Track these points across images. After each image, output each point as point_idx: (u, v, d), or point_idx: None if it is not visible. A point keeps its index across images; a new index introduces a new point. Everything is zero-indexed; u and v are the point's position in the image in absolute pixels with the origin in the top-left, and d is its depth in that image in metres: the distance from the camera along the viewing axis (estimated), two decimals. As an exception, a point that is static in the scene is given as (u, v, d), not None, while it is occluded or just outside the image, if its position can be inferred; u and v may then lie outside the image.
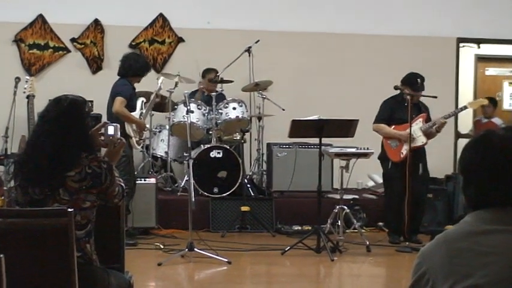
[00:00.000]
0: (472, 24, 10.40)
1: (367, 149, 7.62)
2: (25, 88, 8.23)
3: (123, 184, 3.75)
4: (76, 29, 9.76)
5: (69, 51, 9.80)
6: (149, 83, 8.12)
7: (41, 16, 9.68)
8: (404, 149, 7.65)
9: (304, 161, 8.68)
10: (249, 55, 9.18)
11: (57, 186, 3.50)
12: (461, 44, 10.62)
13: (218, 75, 9.12)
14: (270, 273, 6.97)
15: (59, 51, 9.77)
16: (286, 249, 7.18)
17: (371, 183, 9.70)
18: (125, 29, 9.80)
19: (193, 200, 6.70)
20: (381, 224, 8.51)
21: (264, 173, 9.16)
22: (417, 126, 7.69)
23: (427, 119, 7.80)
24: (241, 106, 8.86)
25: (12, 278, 2.88)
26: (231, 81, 9.05)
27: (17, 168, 3.64)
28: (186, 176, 8.44)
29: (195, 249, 6.74)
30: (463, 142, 9.50)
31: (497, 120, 10.13)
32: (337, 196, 7.74)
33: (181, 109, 8.54)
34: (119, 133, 3.80)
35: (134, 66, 7.62)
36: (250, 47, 9.19)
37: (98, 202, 3.61)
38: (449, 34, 10.36)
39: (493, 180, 2.03)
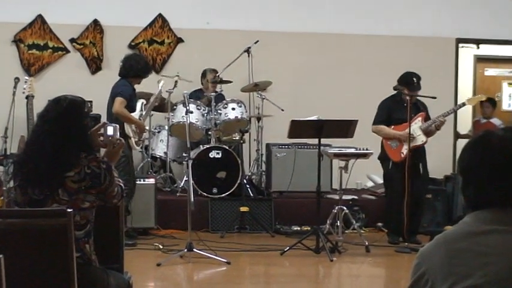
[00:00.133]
0: (471, 24, 10.40)
1: (367, 149, 7.62)
2: (24, 88, 8.23)
3: (122, 184, 3.75)
4: (75, 29, 9.76)
5: (68, 51, 9.79)
6: (149, 84, 8.12)
7: (40, 16, 9.68)
8: (405, 149, 7.66)
9: (303, 161, 8.68)
10: (248, 55, 9.19)
11: (57, 187, 3.50)
12: (460, 45, 10.63)
13: (218, 76, 9.12)
14: (269, 274, 6.97)
15: (58, 51, 9.77)
16: (286, 249, 7.18)
17: (370, 184, 9.70)
18: (124, 30, 9.80)
19: (192, 200, 6.70)
20: (380, 224, 8.51)
21: (263, 173, 9.16)
22: (416, 125, 7.70)
23: (426, 118, 7.81)
24: (240, 106, 8.86)
25: (11, 279, 2.88)
26: (230, 82, 9.05)
27: (16, 169, 3.64)
28: (185, 177, 8.44)
29: (194, 250, 6.74)
30: (462, 142, 9.50)
31: (496, 121, 10.14)
32: (336, 196, 7.75)
33: (181, 109, 8.54)
34: (118, 133, 3.80)
35: (135, 67, 7.61)
36: (249, 48, 9.19)
37: (97, 202, 3.61)
38: (449, 34, 10.36)
39: (492, 180, 2.04)
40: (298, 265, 6.98)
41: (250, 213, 8.28)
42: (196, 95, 9.14)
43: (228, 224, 8.29)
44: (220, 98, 9.02)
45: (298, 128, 7.50)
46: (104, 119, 7.49)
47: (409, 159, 7.52)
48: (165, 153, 9.04)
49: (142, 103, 7.78)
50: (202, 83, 9.45)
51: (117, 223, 3.90)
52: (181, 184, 8.68)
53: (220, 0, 9.99)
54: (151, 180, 8.19)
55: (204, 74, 9.43)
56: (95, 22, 9.78)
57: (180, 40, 9.99)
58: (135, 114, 7.58)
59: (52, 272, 3.27)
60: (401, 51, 10.06)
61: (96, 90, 8.63)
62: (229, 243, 7.59)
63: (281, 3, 10.09)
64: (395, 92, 7.83)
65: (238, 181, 8.54)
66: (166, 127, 8.93)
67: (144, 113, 7.75)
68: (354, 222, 7.90)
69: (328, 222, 7.53)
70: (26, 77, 8.62)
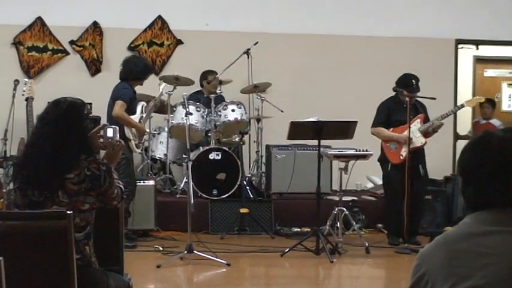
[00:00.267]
0: (471, 25, 10.40)
1: (366, 150, 7.63)
2: (24, 90, 8.23)
3: (122, 186, 3.75)
4: (75, 31, 9.76)
5: (68, 53, 9.79)
6: (150, 86, 8.12)
7: (39, 18, 9.68)
8: (404, 151, 7.66)
9: (303, 162, 8.68)
10: (248, 57, 9.18)
11: (56, 189, 3.50)
12: (459, 46, 10.63)
13: (217, 77, 9.13)
14: (269, 275, 6.97)
15: (58, 53, 9.77)
16: (286, 251, 7.18)
17: (370, 185, 9.70)
18: (124, 31, 9.80)
19: (192, 202, 6.70)
20: (380, 225, 8.52)
21: (263, 174, 9.16)
22: (415, 127, 7.70)
23: (425, 119, 7.81)
24: (240, 108, 8.86)
25: (11, 281, 2.88)
26: (230, 81, 9.05)
27: (16, 171, 3.64)
28: (185, 178, 8.44)
29: (194, 251, 6.74)
30: (462, 143, 9.51)
31: (495, 122, 10.14)
32: (336, 198, 7.75)
33: (180, 111, 8.54)
34: (118, 135, 3.80)
35: (134, 70, 7.59)
36: (249, 49, 9.19)
37: (97, 204, 3.61)
38: (448, 35, 10.37)
39: (492, 181, 2.04)
40: (298, 266, 6.98)
41: (250, 215, 8.28)
42: (195, 97, 9.14)
43: (228, 226, 8.29)
44: (220, 99, 9.02)
45: (297, 130, 7.50)
46: (103, 121, 7.49)
47: (409, 161, 7.52)
48: (165, 154, 9.04)
49: (143, 105, 7.78)
50: (202, 85, 9.44)
51: (117, 225, 3.90)
52: (181, 186, 8.68)
53: (219, 1, 10.00)
54: (151, 182, 8.19)
55: (203, 76, 9.43)
56: (95, 24, 9.78)
57: (179, 42, 9.99)
58: (136, 117, 7.57)
59: (52, 274, 3.27)
60: (401, 52, 10.07)
61: (95, 92, 8.64)
62: (229, 245, 7.59)
63: (281, 5, 10.09)
64: (394, 93, 7.84)
65: (238, 182, 8.54)
66: (166, 129, 8.93)
67: (144, 115, 7.74)
68: (354, 223, 7.90)
69: (328, 223, 7.54)
70: (26, 79, 8.62)
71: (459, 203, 8.61)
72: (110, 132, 3.76)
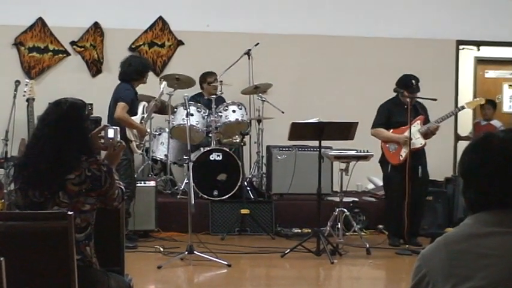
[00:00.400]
0: (472, 26, 10.40)
1: (367, 151, 7.63)
2: (25, 91, 8.25)
3: (122, 187, 3.75)
4: (76, 32, 9.76)
5: (68, 54, 9.80)
6: (151, 86, 8.11)
7: (40, 19, 9.68)
8: (403, 152, 7.67)
9: (303, 163, 8.68)
10: (249, 58, 9.18)
11: (57, 189, 3.50)
12: (461, 47, 10.63)
13: (217, 79, 9.13)
14: (270, 276, 6.97)
15: (59, 54, 9.77)
16: (286, 251, 7.18)
17: (371, 186, 9.70)
18: (125, 32, 9.80)
19: (193, 202, 6.70)
20: (380, 226, 8.51)
21: (264, 175, 9.15)
22: (415, 128, 7.70)
23: (425, 121, 7.82)
24: (240, 109, 8.86)
25: (12, 281, 2.88)
26: (230, 85, 9.06)
27: (17, 172, 3.64)
28: (185, 179, 8.44)
29: (195, 252, 6.74)
30: (462, 144, 9.50)
31: (496, 123, 10.14)
32: (337, 199, 7.75)
33: (181, 112, 8.54)
34: (119, 136, 3.80)
35: (130, 70, 7.52)
36: (249, 50, 9.19)
37: (97, 205, 3.61)
38: (449, 36, 10.37)
39: (493, 182, 2.04)
40: (299, 267, 6.98)
41: (251, 216, 8.28)
42: (196, 99, 9.14)
43: (229, 227, 8.29)
44: (220, 100, 9.02)
45: (298, 130, 7.50)
46: (104, 121, 7.49)
47: (410, 162, 7.52)
48: (166, 155, 9.04)
49: (144, 105, 7.76)
50: (202, 87, 9.44)
51: (117, 226, 3.90)
52: (182, 186, 8.68)
53: (220, 2, 10.00)
54: (152, 183, 8.19)
55: (203, 78, 9.43)
56: (96, 25, 9.79)
57: (180, 42, 10.00)
58: (137, 117, 7.56)
59: (53, 275, 3.27)
60: (401, 53, 10.07)
61: (96, 93, 8.64)
62: (230, 246, 7.59)
63: (281, 6, 10.09)
64: (395, 95, 7.85)
65: (239, 183, 8.54)
66: (167, 130, 8.93)
67: (145, 115, 7.73)
68: (355, 224, 7.90)
69: (328, 224, 7.53)
70: (27, 80, 8.64)
71: (460, 204, 8.60)
72: (110, 133, 3.75)
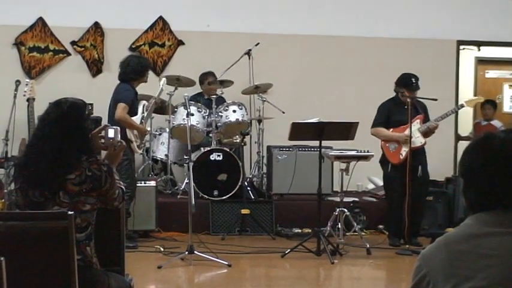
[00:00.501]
0: (472, 26, 10.40)
1: (367, 151, 7.63)
2: (25, 91, 8.25)
3: (123, 187, 3.75)
4: (76, 32, 9.76)
5: (69, 54, 9.80)
6: (151, 86, 8.11)
7: (41, 19, 9.68)
8: (404, 151, 7.67)
9: (304, 163, 8.68)
10: (249, 58, 9.18)
11: (58, 189, 3.50)
12: (461, 47, 10.63)
13: (216, 80, 9.13)
14: (270, 276, 6.97)
15: (59, 54, 9.78)
16: (286, 252, 7.18)
17: (371, 186, 9.70)
18: (125, 32, 9.80)
19: (193, 202, 6.70)
20: (381, 226, 8.51)
21: (264, 175, 9.16)
22: (415, 127, 7.71)
23: (425, 120, 7.82)
24: (241, 109, 8.86)
25: (12, 281, 2.88)
26: (231, 82, 9.05)
27: (17, 171, 3.63)
28: (186, 179, 8.44)
29: (195, 252, 6.74)
30: (463, 145, 9.49)
31: (496, 123, 10.14)
32: (337, 199, 7.75)
33: (181, 112, 8.54)
34: (119, 136, 3.80)
35: (127, 70, 7.50)
36: (250, 50, 9.19)
37: (98, 205, 3.61)
38: (450, 37, 10.37)
39: (494, 182, 2.04)
40: (299, 267, 6.98)
41: (251, 216, 8.28)
42: (196, 99, 9.14)
43: (229, 227, 8.29)
44: (220, 100, 9.02)
45: (299, 131, 7.50)
46: (104, 121, 7.49)
47: (410, 162, 7.51)
48: (166, 155, 9.04)
49: (144, 105, 7.75)
50: (202, 88, 9.45)
51: (118, 225, 3.90)
52: (182, 186, 8.68)
53: (220, 2, 10.00)
54: (152, 183, 8.19)
55: (202, 78, 9.43)
56: (96, 25, 9.79)
57: (180, 42, 10.00)
58: (138, 117, 7.55)
59: (53, 275, 3.27)
60: (402, 53, 10.07)
61: (97, 92, 8.64)
62: (230, 246, 7.59)
63: (281, 6, 10.09)
64: (395, 94, 7.86)
65: (239, 183, 8.54)
66: (167, 129, 8.93)
67: (145, 114, 7.72)
68: (355, 224, 7.90)
69: (329, 224, 7.54)
70: (27, 80, 8.64)
71: (460, 204, 8.60)
72: (111, 133, 3.75)
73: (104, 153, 3.80)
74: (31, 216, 3.35)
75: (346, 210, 7.67)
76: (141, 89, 7.87)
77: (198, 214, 7.35)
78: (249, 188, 8.74)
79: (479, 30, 10.43)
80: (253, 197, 8.72)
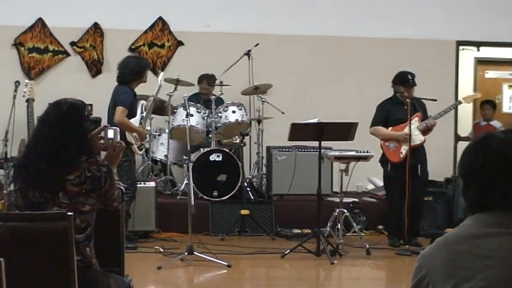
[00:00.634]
0: (472, 27, 10.41)
1: (367, 152, 7.63)
2: (25, 92, 8.26)
3: (122, 188, 3.75)
4: (75, 32, 9.77)
5: (68, 54, 9.80)
6: (151, 86, 8.11)
7: (40, 20, 9.68)
8: (404, 149, 7.67)
9: (303, 164, 8.68)
10: (249, 58, 9.18)
11: (57, 190, 3.50)
12: (460, 47, 10.64)
13: (213, 82, 9.13)
14: (270, 277, 6.97)
15: (59, 54, 9.78)
16: (286, 252, 7.18)
17: (371, 187, 9.70)
18: (125, 33, 9.80)
19: (192, 203, 6.70)
20: (380, 227, 8.51)
21: (264, 176, 9.15)
22: (414, 125, 7.71)
23: (423, 118, 7.83)
24: (240, 109, 8.86)
25: (12, 282, 2.88)
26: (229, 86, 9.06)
27: (17, 172, 3.63)
28: (185, 180, 8.44)
29: (195, 253, 6.74)
30: (462, 145, 9.47)
31: (496, 123, 10.14)
32: (337, 199, 7.75)
33: (181, 112, 8.54)
34: (119, 136, 3.80)
35: (126, 72, 7.44)
36: (249, 51, 9.19)
37: (97, 206, 3.61)
38: (449, 37, 10.37)
39: (493, 183, 2.04)
40: (299, 268, 6.98)
41: (251, 216, 8.28)
42: (195, 99, 9.13)
43: (229, 227, 8.29)
44: (219, 102, 9.02)
45: (298, 131, 7.50)
46: (104, 122, 7.48)
47: (410, 160, 7.52)
48: (166, 156, 9.04)
49: (142, 104, 7.71)
50: (199, 89, 9.46)
51: (117, 226, 3.90)
52: (182, 187, 8.68)
53: (220, 3, 10.00)
54: (152, 184, 8.19)
55: (199, 80, 9.43)
56: (95, 25, 9.79)
57: (180, 43, 10.00)
58: (137, 118, 7.52)
59: (52, 276, 3.27)
60: (401, 54, 10.06)
61: (96, 93, 8.64)
62: (230, 246, 7.59)
63: (281, 7, 10.09)
64: (393, 93, 7.88)
65: (239, 184, 8.54)
66: (167, 130, 8.93)
67: (145, 114, 7.68)
68: (355, 225, 7.90)
69: (328, 225, 7.54)
70: (27, 81, 8.65)
71: (460, 205, 8.60)
72: (110, 134, 3.75)
73: (103, 153, 3.80)
74: (30, 217, 3.35)
75: (345, 210, 7.67)
76: (140, 89, 7.85)
77: (197, 215, 7.35)
78: (248, 189, 8.74)
79: (479, 30, 10.44)
80: (252, 198, 8.72)
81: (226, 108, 8.83)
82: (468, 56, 11.27)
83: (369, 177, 9.61)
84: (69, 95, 3.89)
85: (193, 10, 9.93)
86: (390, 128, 7.84)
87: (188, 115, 7.51)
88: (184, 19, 9.92)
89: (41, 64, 9.72)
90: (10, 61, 9.61)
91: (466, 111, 10.95)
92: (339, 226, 7.54)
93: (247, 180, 8.92)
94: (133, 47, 9.87)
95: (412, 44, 10.19)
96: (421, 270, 2.06)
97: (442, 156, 9.72)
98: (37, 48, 9.70)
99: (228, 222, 8.37)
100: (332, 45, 10.13)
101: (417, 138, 7.72)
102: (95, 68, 9.82)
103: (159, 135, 9.18)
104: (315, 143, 7.63)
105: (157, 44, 9.96)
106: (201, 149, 8.70)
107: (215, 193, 8.54)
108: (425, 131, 7.78)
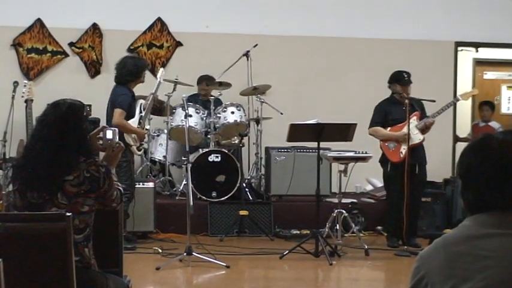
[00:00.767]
0: (470, 28, 10.41)
1: (366, 152, 7.63)
2: (23, 92, 8.25)
3: (121, 188, 3.74)
4: (74, 33, 9.76)
5: (67, 55, 9.80)
6: (150, 86, 8.11)
7: (39, 20, 9.68)
8: (403, 149, 7.67)
9: (302, 165, 8.68)
10: (247, 59, 9.18)
11: (56, 191, 3.50)
12: (459, 48, 10.64)
13: (211, 85, 9.13)
14: (268, 277, 6.97)
15: (57, 55, 9.77)
16: (285, 253, 7.17)
17: (369, 187, 9.70)
18: (123, 33, 9.80)
19: (191, 204, 6.69)
20: (379, 228, 8.51)
21: (263, 177, 9.15)
22: (412, 124, 7.71)
23: (421, 117, 7.83)
24: (239, 110, 8.86)
25: (10, 283, 2.88)
26: (229, 85, 9.05)
27: (15, 173, 3.63)
28: (184, 180, 8.44)
29: (194, 254, 6.73)
30: (461, 146, 9.49)
31: (494, 124, 10.15)
32: (336, 200, 7.76)
33: (180, 113, 8.54)
34: (117, 137, 3.80)
35: (123, 72, 7.42)
36: (248, 51, 9.19)
37: (96, 206, 3.61)
38: (448, 38, 10.37)
39: (492, 184, 2.04)
40: (298, 269, 6.98)
41: (250, 217, 8.28)
42: (193, 99, 9.13)
43: (227, 228, 8.29)
44: (218, 103, 9.01)
45: (297, 132, 7.50)
46: (103, 122, 7.48)
47: (408, 159, 7.51)
48: (164, 157, 9.03)
49: (141, 104, 7.68)
50: (198, 89, 9.46)
51: (116, 227, 3.90)
52: (181, 188, 8.68)
53: (219, 3, 10.00)
54: (151, 184, 8.18)
55: (198, 81, 9.44)
56: (94, 26, 9.79)
57: (179, 44, 10.00)
58: (135, 119, 7.51)
59: (51, 276, 3.27)
60: (400, 54, 10.06)
61: (95, 94, 8.63)
62: (229, 247, 7.58)
63: (280, 8, 10.09)
64: (390, 94, 7.89)
65: (238, 185, 8.54)
66: (166, 131, 8.93)
67: (144, 113, 7.65)
68: (353, 225, 7.90)
69: (327, 225, 7.54)
70: (25, 81, 8.64)
71: (458, 206, 8.61)
72: (109, 134, 3.75)
73: (102, 154, 3.80)
74: (29, 217, 3.35)
75: (344, 211, 7.67)
76: (140, 89, 7.85)
77: (196, 215, 7.34)
78: (247, 189, 8.74)
79: (477, 31, 10.44)
80: (251, 198, 8.73)
81: (225, 109, 8.83)
82: (467, 56, 11.28)
83: (367, 178, 9.61)
84: (68, 95, 3.89)
85: (192, 11, 9.93)
86: (389, 128, 7.84)
87: (187, 116, 7.51)
88: (183, 20, 9.92)
89: (39, 65, 9.72)
90: (9, 61, 9.60)
91: (464, 112, 10.97)
92: (338, 227, 7.54)
93: (246, 180, 8.92)
94: (132, 47, 9.86)
95: (410, 45, 10.20)
96: (419, 271, 2.06)
97: (441, 157, 9.72)
98: (36, 49, 9.70)
99: (226, 223, 8.37)
100: (331, 45, 10.13)
101: (416, 137, 7.72)
102: (93, 68, 9.82)
103: (158, 135, 9.17)
104: (314, 144, 7.62)
105: (156, 45, 9.96)
106: (200, 149, 8.71)
107: (214, 194, 8.54)
108: (424, 130, 7.78)
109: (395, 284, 6.75)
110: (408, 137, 7.54)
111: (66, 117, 3.61)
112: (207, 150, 8.63)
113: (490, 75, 11.83)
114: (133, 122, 7.46)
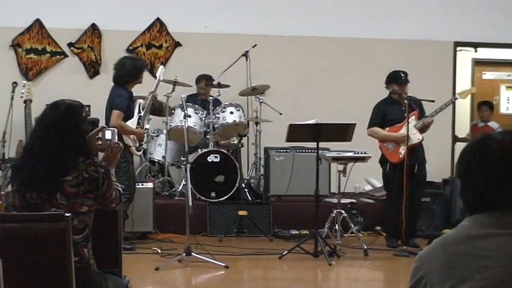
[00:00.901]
0: (469, 28, 10.41)
1: (365, 153, 7.63)
2: (22, 93, 8.25)
3: (120, 188, 3.74)
4: (73, 33, 9.76)
5: (66, 55, 9.79)
6: (149, 86, 8.10)
7: (38, 21, 9.68)
8: (402, 149, 7.67)
9: (301, 165, 8.68)
10: (246, 59, 9.17)
11: (55, 191, 3.50)
12: (458, 48, 10.64)
13: (211, 84, 9.12)
14: (268, 278, 6.97)
15: (56, 55, 9.77)
16: (284, 253, 7.17)
17: (368, 187, 9.70)
18: (122, 34, 9.80)
19: (190, 204, 6.69)
20: (378, 228, 8.51)
21: (262, 177, 9.15)
22: (411, 124, 7.71)
23: (420, 116, 7.83)
24: (238, 110, 8.86)
25: (10, 283, 2.88)
26: (228, 86, 9.05)
27: (14, 173, 3.63)
28: (183, 181, 8.44)
29: (193, 254, 6.73)
30: (460, 146, 9.50)
31: (493, 124, 10.15)
32: (335, 200, 7.76)
33: (179, 113, 8.54)
34: (116, 137, 3.80)
35: (122, 73, 7.40)
36: (247, 51, 9.18)
37: (95, 207, 3.61)
38: (447, 38, 10.38)
39: (491, 184, 2.04)
40: (297, 269, 6.97)
41: (249, 217, 8.28)
42: (192, 99, 9.13)
43: (227, 228, 8.29)
44: (217, 103, 9.01)
45: (296, 132, 7.50)
46: (102, 123, 7.48)
47: (407, 159, 7.51)
48: (164, 157, 9.04)
49: (140, 104, 7.67)
50: (197, 89, 9.45)
51: (115, 227, 3.90)
52: (180, 188, 8.68)
53: (218, 4, 10.00)
54: (150, 185, 8.17)
55: (197, 80, 9.43)
56: (93, 26, 9.79)
57: (178, 44, 10.00)
58: (134, 120, 7.50)
59: (50, 277, 3.27)
60: (399, 54, 10.06)
61: (94, 94, 8.63)
62: (228, 247, 7.58)
63: (279, 8, 10.09)
64: (388, 94, 7.89)
65: (237, 185, 8.54)
66: (165, 131, 8.93)
67: (142, 113, 7.63)
68: (353, 225, 7.89)
69: (326, 226, 7.54)
70: (24, 82, 8.64)
71: (457, 206, 8.61)
72: (108, 135, 3.75)
73: (101, 155, 3.80)
74: (28, 218, 3.35)
75: (343, 211, 7.67)
76: (139, 89, 7.84)
77: (195, 216, 7.33)
78: (246, 190, 8.74)
79: (476, 31, 10.44)
80: (250, 199, 8.72)
81: (224, 109, 8.83)
82: (466, 57, 11.29)
83: (366, 178, 9.60)
84: (67, 96, 3.90)
85: (191, 11, 9.93)
86: (387, 129, 7.84)
87: (186, 116, 7.50)
88: (182, 20, 9.92)
89: (38, 65, 9.72)
90: (8, 62, 9.60)
91: (463, 112, 10.98)
92: (337, 227, 7.55)
93: (245, 181, 8.92)
94: (131, 48, 9.86)
95: (410, 45, 10.20)
96: (418, 271, 2.06)
97: (440, 157, 9.72)
98: (35, 49, 9.69)
99: (225, 223, 8.37)
100: (330, 46, 10.12)
101: (415, 137, 7.72)
102: (92, 69, 9.82)
103: (157, 136, 9.17)
104: (313, 144, 7.63)
105: (155, 45, 9.96)
106: (199, 150, 8.71)
107: (213, 194, 8.54)
108: (422, 129, 7.78)
109: (394, 284, 6.76)
110: (407, 138, 7.54)
111: (65, 117, 3.61)
112: (206, 150, 8.63)
113: (489, 75, 11.84)
114: (132, 122, 7.45)
